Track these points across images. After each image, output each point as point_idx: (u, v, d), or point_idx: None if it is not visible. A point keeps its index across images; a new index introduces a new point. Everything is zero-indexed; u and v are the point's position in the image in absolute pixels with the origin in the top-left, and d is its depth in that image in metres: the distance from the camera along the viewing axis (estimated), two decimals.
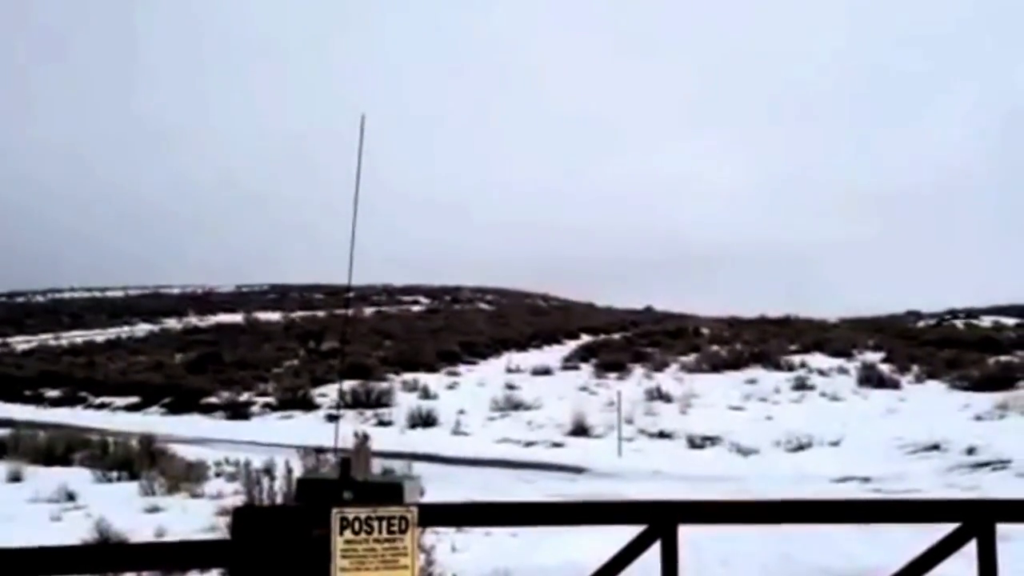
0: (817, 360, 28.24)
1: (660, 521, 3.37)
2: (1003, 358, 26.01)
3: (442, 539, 8.42)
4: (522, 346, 35.89)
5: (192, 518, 9.84)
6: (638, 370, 28.46)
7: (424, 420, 22.10)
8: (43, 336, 46.51)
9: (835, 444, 17.67)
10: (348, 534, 3.02)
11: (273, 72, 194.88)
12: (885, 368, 25.85)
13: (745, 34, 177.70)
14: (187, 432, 20.80)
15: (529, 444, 19.65)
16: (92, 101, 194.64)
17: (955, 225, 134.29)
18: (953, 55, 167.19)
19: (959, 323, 39.82)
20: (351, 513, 3.03)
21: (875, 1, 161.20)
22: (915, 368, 25.71)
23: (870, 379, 23.96)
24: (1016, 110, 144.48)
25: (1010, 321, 38.86)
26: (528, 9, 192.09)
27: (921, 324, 40.93)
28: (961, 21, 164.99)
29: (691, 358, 29.85)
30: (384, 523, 3.05)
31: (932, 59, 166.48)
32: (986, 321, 39.89)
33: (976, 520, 3.39)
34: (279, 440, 18.09)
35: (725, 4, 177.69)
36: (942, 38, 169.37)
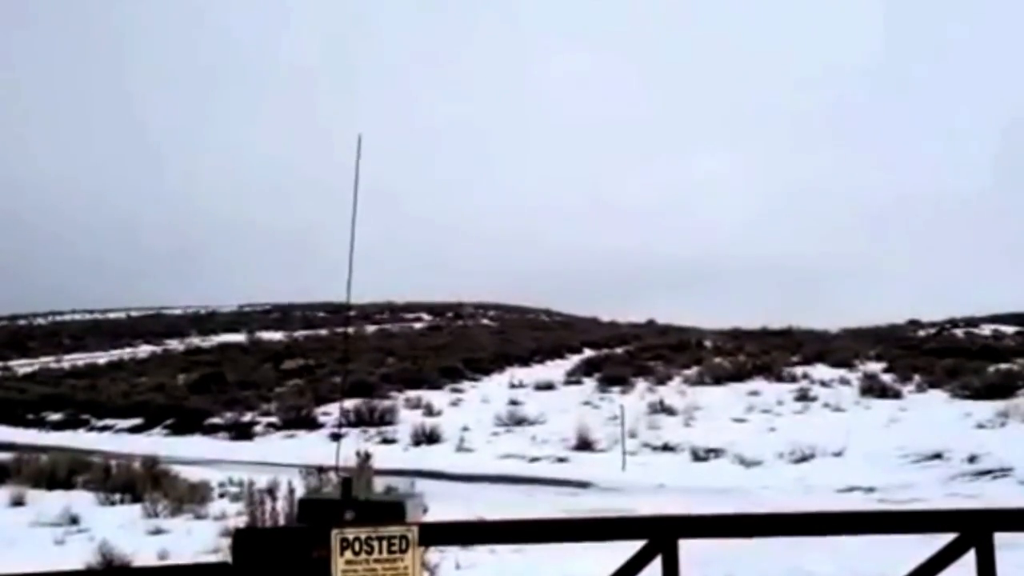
0: (819, 371, 28.38)
1: (660, 536, 3.36)
2: (1003, 366, 26.06)
3: (447, 557, 8.43)
4: (525, 361, 35.84)
5: (196, 540, 9.88)
6: (641, 384, 28.46)
7: (428, 437, 22.10)
8: (45, 359, 46.50)
9: (838, 455, 17.69)
10: (348, 554, 3.01)
11: (273, 90, 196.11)
12: (887, 378, 25.97)
13: (749, 53, 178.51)
14: (190, 453, 20.78)
15: (533, 459, 19.67)
16: (93, 124, 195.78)
17: (954, 236, 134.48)
18: (956, 72, 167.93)
19: (959, 332, 39.93)
20: (351, 533, 3.02)
21: (886, 20, 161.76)
22: (916, 377, 25.78)
23: (872, 389, 24.06)
24: (1013, 124, 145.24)
25: (1009, 329, 39.09)
26: (534, 25, 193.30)
27: (921, 333, 40.98)
28: (964, 35, 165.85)
29: (694, 371, 29.89)
30: (385, 543, 3.04)
31: (936, 76, 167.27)
32: (986, 330, 40.06)
33: (974, 530, 3.38)
34: (283, 460, 18.14)
35: (731, 23, 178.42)
36: (946, 54, 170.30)
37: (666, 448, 19.73)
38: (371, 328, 51.99)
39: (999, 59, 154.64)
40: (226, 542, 9.02)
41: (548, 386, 29.11)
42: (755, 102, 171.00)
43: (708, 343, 37.86)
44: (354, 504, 3.18)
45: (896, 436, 18.46)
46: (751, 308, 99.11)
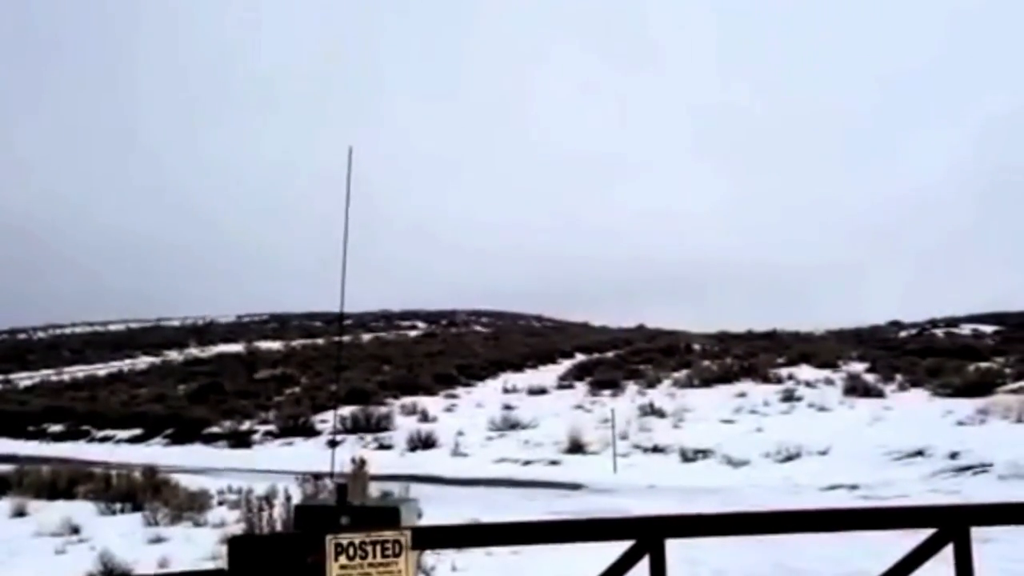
0: (804, 372, 28.68)
1: (647, 536, 3.39)
2: (982, 365, 26.40)
3: (443, 560, 8.55)
4: (518, 367, 36.08)
5: (195, 548, 9.93)
6: (632, 387, 28.80)
7: (424, 442, 22.31)
8: (45, 371, 46.54)
9: (823, 453, 17.93)
10: (343, 560, 3.04)
11: (269, 107, 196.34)
12: (870, 378, 26.27)
13: (729, 63, 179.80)
14: (190, 462, 20.96)
15: (527, 463, 19.86)
16: (91, 139, 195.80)
17: (935, 239, 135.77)
18: (929, 83, 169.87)
19: (939, 332, 40.36)
20: (345, 539, 3.06)
21: (857, 31, 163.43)
22: (898, 377, 26.11)
23: (855, 389, 24.35)
24: (986, 131, 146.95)
25: (988, 329, 39.43)
26: (527, 48, 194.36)
27: (903, 334, 41.42)
28: (938, 49, 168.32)
29: (683, 374, 30.21)
30: (378, 547, 3.07)
31: (910, 86, 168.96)
32: (965, 329, 40.45)
33: (951, 525, 3.45)
34: (281, 467, 18.25)
35: (708, 35, 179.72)
36: (920, 61, 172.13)
37: (656, 450, 19.94)
38: (367, 336, 52.15)
39: (975, 69, 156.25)
40: (225, 549, 9.19)
41: (541, 391, 29.38)
42: (739, 116, 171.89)
43: (696, 347, 38.16)
44: (349, 510, 3.26)
45: (879, 434, 18.70)
46: (737, 313, 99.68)
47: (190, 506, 12.75)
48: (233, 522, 11.44)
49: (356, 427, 24.32)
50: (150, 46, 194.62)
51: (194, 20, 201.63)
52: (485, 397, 28.99)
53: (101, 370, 45.08)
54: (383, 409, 26.22)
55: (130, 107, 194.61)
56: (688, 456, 19.00)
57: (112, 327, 72.91)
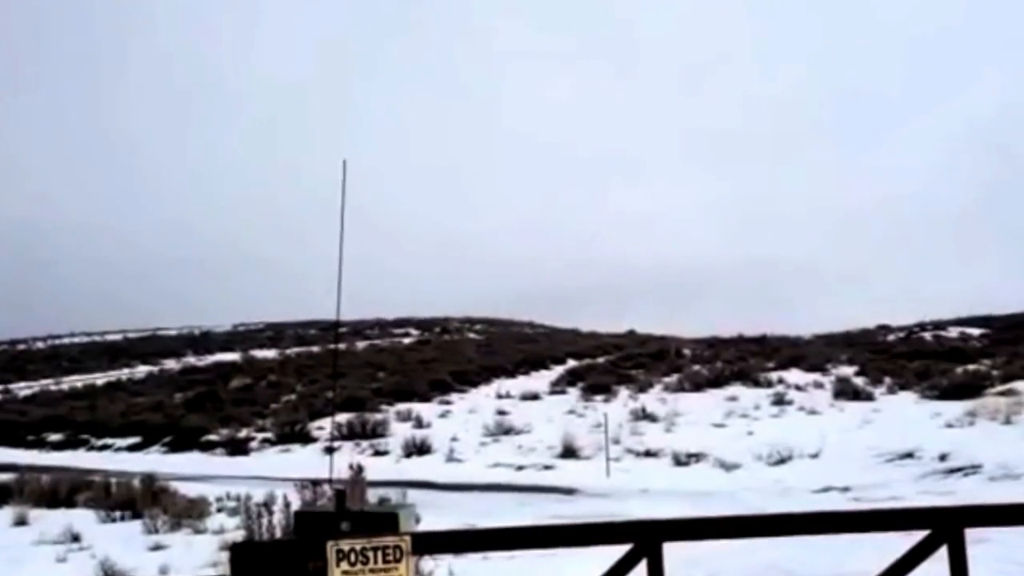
0: (794, 376, 28.86)
1: (644, 540, 3.44)
2: (970, 367, 26.54)
3: (440, 564, 8.54)
4: (511, 373, 36.13)
5: (195, 554, 10.07)
6: (623, 392, 28.89)
7: (419, 448, 22.39)
8: (44, 381, 46.59)
9: (814, 456, 18.02)
10: (344, 565, 3.10)
11: (266, 114, 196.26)
12: (859, 381, 26.44)
13: (714, 59, 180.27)
14: (188, 470, 21.02)
15: (521, 468, 19.91)
16: (85, 149, 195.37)
17: (922, 241, 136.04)
18: (914, 78, 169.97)
19: (927, 335, 40.54)
20: (346, 545, 3.12)
21: (837, 27, 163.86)
22: (887, 380, 26.24)
23: (845, 392, 24.51)
24: (971, 133, 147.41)
25: (975, 331, 39.62)
26: (516, 54, 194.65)
27: (891, 337, 41.55)
28: (918, 42, 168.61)
29: (674, 378, 30.35)
30: (379, 553, 3.13)
31: (894, 83, 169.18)
32: (953, 332, 40.63)
33: (945, 527, 3.51)
34: (279, 474, 18.31)
35: (692, 37, 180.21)
36: (903, 60, 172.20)
37: (649, 454, 20.01)
38: (362, 344, 52.22)
39: (954, 66, 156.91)
40: (225, 556, 9.26)
41: (533, 396, 29.40)
42: (728, 118, 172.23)
43: (687, 351, 38.33)
44: (349, 515, 3.29)
45: (869, 437, 18.85)
46: (727, 317, 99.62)
47: (189, 513, 12.87)
48: (233, 529, 11.58)
49: (352, 434, 24.41)
50: (146, 54, 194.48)
51: (191, 28, 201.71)
52: (479, 403, 29.03)
53: (99, 379, 45.09)
54: (378, 416, 26.30)
55: (126, 115, 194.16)
56: (680, 460, 19.07)
57: (110, 337, 72.75)
